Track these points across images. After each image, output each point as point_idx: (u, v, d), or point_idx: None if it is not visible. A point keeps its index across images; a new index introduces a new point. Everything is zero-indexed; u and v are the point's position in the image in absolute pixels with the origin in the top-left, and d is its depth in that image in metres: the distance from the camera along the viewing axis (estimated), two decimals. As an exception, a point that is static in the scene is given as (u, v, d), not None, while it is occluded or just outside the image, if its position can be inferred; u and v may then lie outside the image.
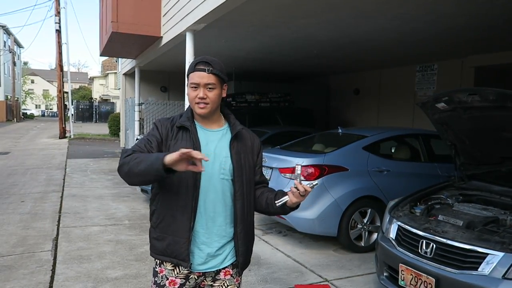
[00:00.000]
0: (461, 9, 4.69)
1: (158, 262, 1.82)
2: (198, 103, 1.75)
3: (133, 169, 1.63)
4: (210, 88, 1.75)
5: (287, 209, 1.80)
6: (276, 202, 1.76)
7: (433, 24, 5.41)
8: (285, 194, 1.77)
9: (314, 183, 1.72)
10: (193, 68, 1.76)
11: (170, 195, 1.75)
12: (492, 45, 6.76)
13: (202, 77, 1.74)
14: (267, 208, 1.89)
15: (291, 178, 4.69)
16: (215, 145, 1.80)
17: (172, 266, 1.78)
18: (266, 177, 4.90)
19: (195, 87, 1.75)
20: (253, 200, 1.88)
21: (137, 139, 9.67)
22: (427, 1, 4.45)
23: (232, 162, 1.79)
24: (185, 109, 1.89)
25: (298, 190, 1.68)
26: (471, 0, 4.36)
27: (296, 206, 1.79)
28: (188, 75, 1.79)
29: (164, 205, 1.77)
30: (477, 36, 6.07)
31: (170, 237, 1.74)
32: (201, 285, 1.85)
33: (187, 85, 1.80)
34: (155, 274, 1.83)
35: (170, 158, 1.53)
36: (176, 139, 1.76)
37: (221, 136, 1.83)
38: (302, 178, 1.71)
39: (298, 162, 1.75)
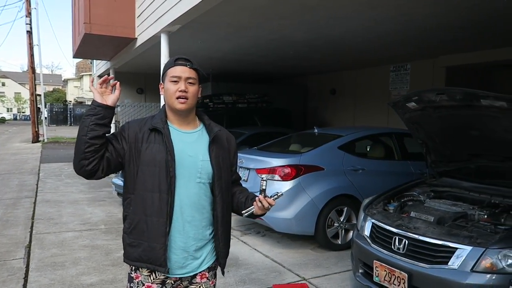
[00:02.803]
0: (432, 11, 4.82)
1: (133, 268, 1.79)
2: (178, 97, 1.73)
3: (79, 142, 1.72)
4: (190, 83, 1.75)
5: (253, 217, 1.87)
6: (243, 212, 1.83)
7: (406, 25, 5.54)
8: (253, 202, 1.81)
9: (279, 194, 1.78)
10: (173, 63, 1.76)
11: (143, 200, 1.72)
12: (462, 45, 6.98)
13: (184, 71, 1.74)
14: (237, 210, 1.91)
15: (267, 179, 4.71)
16: (190, 147, 1.77)
17: (148, 272, 1.76)
18: (243, 178, 4.94)
19: (176, 81, 1.74)
20: (230, 202, 1.90)
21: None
22: (399, 3, 4.56)
23: (212, 166, 1.78)
24: (159, 111, 1.87)
25: (262, 204, 1.75)
26: (442, 2, 4.48)
27: (263, 214, 1.85)
28: (165, 71, 1.78)
29: (137, 210, 1.73)
30: (448, 37, 6.25)
31: (146, 243, 1.71)
32: None
33: (165, 82, 1.78)
34: (131, 280, 1.80)
35: (95, 97, 1.70)
36: (148, 142, 1.73)
37: (196, 137, 1.81)
38: (266, 193, 1.77)
39: (263, 177, 1.78)
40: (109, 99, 1.72)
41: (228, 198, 1.85)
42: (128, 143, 1.75)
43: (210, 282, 1.88)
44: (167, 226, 1.70)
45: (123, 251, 1.81)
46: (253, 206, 1.78)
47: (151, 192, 1.71)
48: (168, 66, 1.78)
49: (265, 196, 1.75)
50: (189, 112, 1.79)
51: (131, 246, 1.75)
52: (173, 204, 1.71)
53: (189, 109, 1.77)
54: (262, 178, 1.79)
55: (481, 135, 3.32)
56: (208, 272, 1.85)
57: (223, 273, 1.93)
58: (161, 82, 1.84)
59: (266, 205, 1.73)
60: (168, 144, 1.71)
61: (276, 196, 1.76)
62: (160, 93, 1.85)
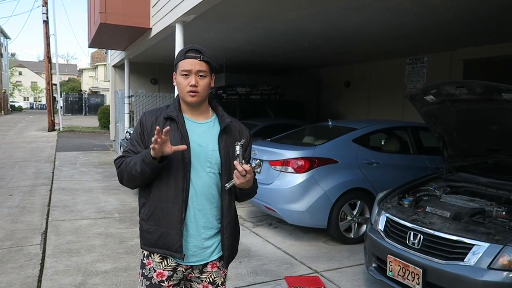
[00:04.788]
0: (450, 2, 4.71)
1: (146, 254, 1.82)
2: (189, 91, 1.73)
3: (132, 174, 1.70)
4: (201, 76, 1.74)
5: (238, 192, 1.81)
6: (225, 185, 1.74)
7: (423, 16, 5.42)
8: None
9: (257, 162, 1.70)
10: (184, 56, 1.74)
11: (160, 187, 1.74)
12: (480, 38, 6.81)
13: (193, 64, 1.72)
14: (238, 196, 1.90)
15: (281, 171, 4.71)
16: (201, 137, 1.78)
17: (160, 259, 1.78)
18: (256, 170, 4.94)
19: (186, 75, 1.73)
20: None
21: (127, 131, 9.60)
22: (416, -6, 4.45)
23: (220, 156, 1.77)
24: (173, 100, 1.88)
25: (236, 169, 1.66)
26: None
27: (250, 191, 1.81)
28: (177, 63, 1.77)
29: (155, 197, 1.75)
30: (466, 29, 6.10)
31: (162, 229, 1.74)
32: (188, 277, 1.85)
33: (177, 74, 1.78)
34: (143, 266, 1.83)
35: (153, 151, 1.63)
36: None
37: (208, 128, 1.82)
38: (242, 159, 1.68)
39: (238, 143, 1.71)
40: (167, 150, 1.64)
41: (235, 190, 1.83)
42: (144, 135, 1.78)
43: (221, 272, 1.89)
44: (182, 212, 1.72)
45: (138, 239, 1.84)
46: (234, 178, 1.70)
47: (166, 179, 1.73)
48: (179, 58, 1.77)
49: (241, 163, 1.66)
50: (201, 103, 1.80)
51: (148, 233, 1.77)
52: (188, 191, 1.73)
53: (201, 101, 1.78)
54: (237, 143, 1.69)
55: (501, 130, 3.25)
56: (219, 262, 1.86)
57: (226, 266, 1.90)
58: (174, 72, 1.84)
59: (240, 169, 1.64)
60: (183, 131, 1.73)
61: (255, 165, 1.68)
62: (174, 83, 1.84)
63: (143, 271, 1.82)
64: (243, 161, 1.69)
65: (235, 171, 1.68)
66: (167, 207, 1.73)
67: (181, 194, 1.72)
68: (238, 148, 1.68)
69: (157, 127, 1.59)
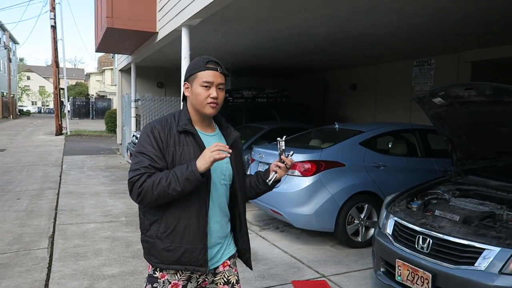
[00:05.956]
0: (458, 4, 4.67)
1: (157, 268, 1.76)
2: (210, 103, 1.71)
3: (168, 193, 1.60)
4: (220, 88, 1.74)
5: (274, 185, 1.91)
6: (268, 180, 1.86)
7: (430, 18, 5.38)
8: (267, 172, 1.88)
9: (291, 153, 1.86)
10: (204, 67, 1.71)
11: (181, 202, 1.68)
12: (488, 39, 6.74)
13: (216, 76, 1.72)
14: (252, 192, 1.95)
15: (287, 174, 4.68)
16: None
17: (175, 271, 1.75)
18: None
19: (208, 86, 1.71)
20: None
21: (133, 135, 9.63)
22: (423, -5, 4.42)
23: (233, 168, 1.83)
24: (181, 110, 1.82)
25: (284, 163, 1.81)
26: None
27: (279, 181, 1.93)
28: (195, 73, 1.72)
29: (174, 214, 1.69)
30: (473, 30, 6.05)
31: (186, 245, 1.69)
32: (203, 285, 1.84)
33: (194, 84, 1.73)
34: (153, 280, 1.76)
35: (205, 164, 1.60)
36: (181, 145, 1.70)
37: (217, 140, 1.82)
38: (286, 152, 1.83)
39: (279, 139, 1.77)
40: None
41: (245, 196, 1.93)
42: (164, 151, 1.70)
43: (233, 270, 1.89)
44: (206, 227, 1.72)
45: (148, 256, 1.76)
46: (274, 172, 1.85)
47: (190, 195, 1.67)
48: (198, 68, 1.72)
49: (286, 155, 1.82)
50: (211, 117, 1.82)
51: (167, 251, 1.70)
52: (208, 205, 1.73)
53: (215, 113, 1.79)
54: (279, 140, 1.83)
55: (510, 132, 3.20)
56: (229, 260, 1.88)
57: (250, 267, 1.99)
58: (186, 82, 1.77)
59: (289, 162, 1.81)
60: (202, 146, 1.71)
61: (291, 156, 1.85)
62: (185, 93, 1.78)
63: (155, 285, 1.76)
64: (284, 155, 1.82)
65: (281, 164, 1.81)
66: (190, 223, 1.69)
67: (204, 208, 1.71)
68: (283, 144, 1.82)
69: (224, 145, 1.62)
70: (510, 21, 5.40)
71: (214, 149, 1.59)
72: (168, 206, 1.69)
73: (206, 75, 1.70)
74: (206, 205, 1.72)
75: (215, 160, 1.59)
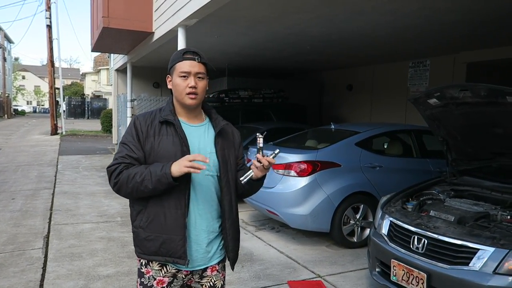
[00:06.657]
0: (454, 5, 4.69)
1: (143, 263, 1.78)
2: (189, 93, 1.71)
3: (140, 189, 1.64)
4: (199, 78, 1.73)
5: (254, 184, 1.80)
6: (241, 179, 1.74)
7: (426, 20, 5.41)
8: (248, 169, 1.76)
9: (276, 152, 1.70)
10: (181, 57, 1.72)
11: (163, 193, 1.70)
12: (484, 41, 6.78)
13: (193, 65, 1.71)
14: (240, 189, 1.86)
15: (283, 174, 4.69)
16: (198, 140, 1.77)
17: (159, 266, 1.75)
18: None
19: (185, 76, 1.71)
20: (236, 194, 1.88)
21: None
22: (419, -3, 4.44)
23: (218, 158, 1.78)
24: (166, 103, 1.84)
25: (261, 163, 1.68)
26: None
27: (262, 180, 1.81)
28: (174, 65, 1.74)
29: (155, 204, 1.71)
30: (469, 32, 6.08)
31: (164, 236, 1.70)
32: (188, 283, 1.83)
33: (173, 76, 1.75)
34: (141, 275, 1.79)
35: (179, 171, 1.58)
36: (161, 135, 1.72)
37: (204, 131, 1.81)
38: (265, 151, 1.69)
39: (258, 133, 1.72)
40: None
41: (235, 191, 1.84)
42: (143, 141, 1.72)
43: (220, 275, 1.88)
44: (185, 217, 1.70)
45: (135, 247, 1.80)
46: (251, 170, 1.72)
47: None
48: (176, 59, 1.74)
49: (263, 155, 1.69)
50: (197, 106, 1.79)
51: (148, 240, 1.73)
52: (189, 195, 1.71)
53: (198, 104, 1.77)
54: (258, 135, 1.72)
55: (505, 133, 3.22)
56: (218, 265, 1.85)
57: (232, 268, 1.92)
58: (168, 75, 1.81)
59: (266, 163, 1.67)
60: (182, 135, 1.71)
61: (274, 154, 1.70)
62: (168, 86, 1.82)
63: (142, 280, 1.78)
64: (262, 153, 1.70)
65: (257, 163, 1.69)
66: (169, 213, 1.69)
67: (183, 199, 1.70)
68: (261, 140, 1.69)
69: (203, 156, 1.59)
70: (506, 23, 5.43)
71: (191, 159, 1.58)
72: (152, 196, 1.70)
73: (183, 65, 1.71)
74: (186, 196, 1.70)
75: (188, 171, 1.59)
